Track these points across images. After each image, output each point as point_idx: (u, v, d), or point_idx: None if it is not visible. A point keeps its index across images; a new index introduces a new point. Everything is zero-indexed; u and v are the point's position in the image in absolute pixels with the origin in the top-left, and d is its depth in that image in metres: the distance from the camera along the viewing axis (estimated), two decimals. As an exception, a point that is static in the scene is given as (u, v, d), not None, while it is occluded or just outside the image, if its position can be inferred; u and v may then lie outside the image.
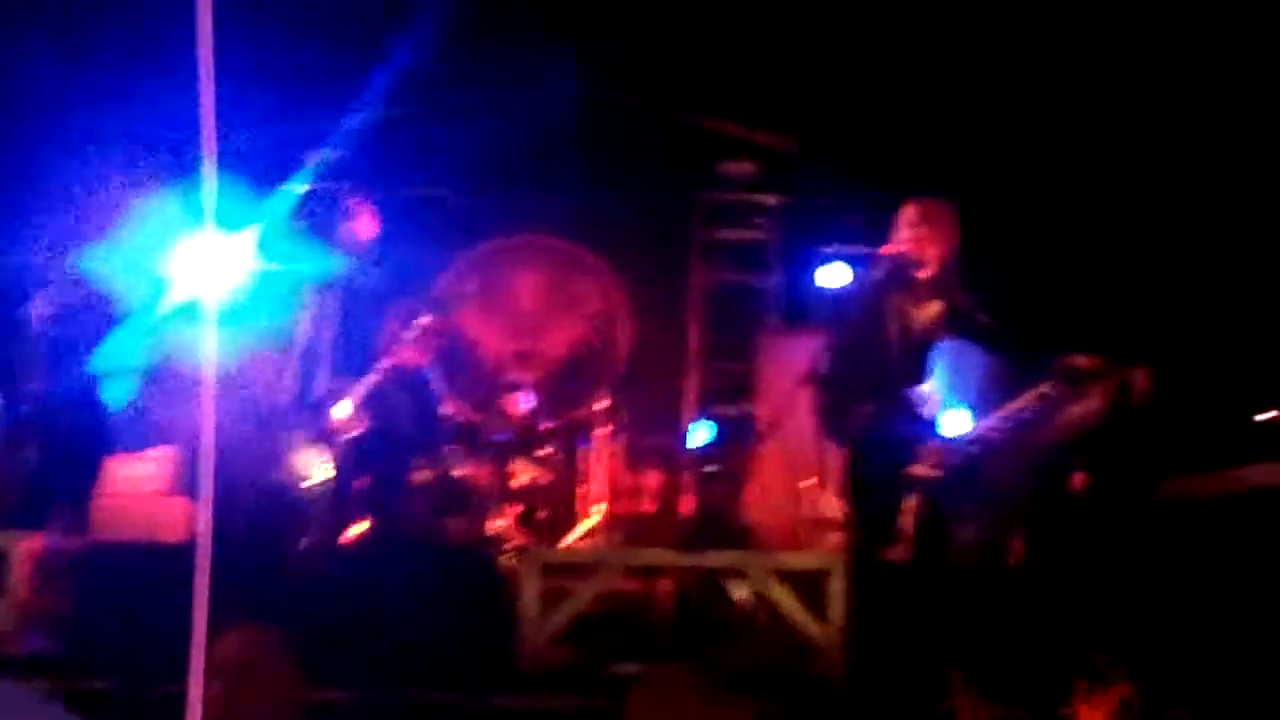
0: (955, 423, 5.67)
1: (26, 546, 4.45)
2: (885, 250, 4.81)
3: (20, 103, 6.73)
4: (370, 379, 5.06)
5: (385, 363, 5.06)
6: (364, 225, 5.26)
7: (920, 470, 4.60)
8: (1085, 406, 4.98)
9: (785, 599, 4.27)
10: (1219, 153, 6.83)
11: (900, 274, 4.78)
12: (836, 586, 4.23)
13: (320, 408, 5.15)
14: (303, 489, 5.15)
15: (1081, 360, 4.65)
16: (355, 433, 5.07)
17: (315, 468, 5.11)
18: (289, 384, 5.23)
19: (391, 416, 5.15)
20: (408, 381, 5.27)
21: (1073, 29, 6.84)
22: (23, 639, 4.30)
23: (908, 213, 4.83)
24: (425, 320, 5.12)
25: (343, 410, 5.08)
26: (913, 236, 4.79)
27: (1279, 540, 4.68)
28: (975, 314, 4.83)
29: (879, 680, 4.09)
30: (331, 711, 2.72)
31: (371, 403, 5.08)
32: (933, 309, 4.79)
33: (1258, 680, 3.90)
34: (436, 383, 5.58)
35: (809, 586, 4.33)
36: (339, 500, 5.09)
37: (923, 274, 4.81)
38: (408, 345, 5.08)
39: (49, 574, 4.46)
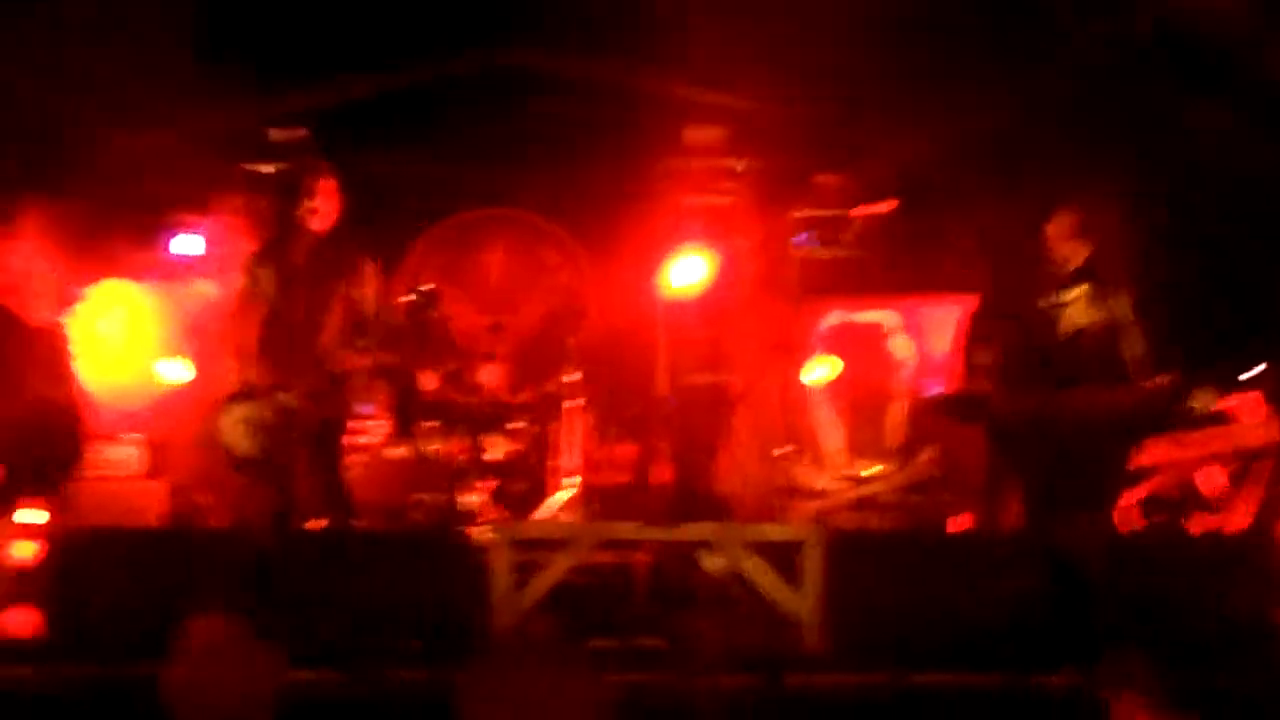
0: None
1: (9, 530, 4.43)
2: (856, 211, 4.84)
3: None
4: (314, 372, 5.02)
5: (327, 366, 5.03)
6: (318, 206, 5.18)
7: None
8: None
9: (759, 572, 4.27)
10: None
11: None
12: (812, 558, 4.23)
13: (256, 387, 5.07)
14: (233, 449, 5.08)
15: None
16: (300, 420, 5.02)
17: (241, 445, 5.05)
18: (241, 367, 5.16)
19: (336, 408, 5.12)
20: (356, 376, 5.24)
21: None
22: (6, 622, 4.29)
23: (1063, 214, 5.02)
24: (372, 324, 5.08)
25: (291, 396, 5.03)
26: (1060, 234, 4.91)
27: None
28: (1125, 312, 4.99)
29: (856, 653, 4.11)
30: (303, 691, 2.72)
31: (318, 395, 5.04)
32: (1084, 304, 5.02)
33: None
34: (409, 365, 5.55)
35: (784, 558, 4.33)
36: (275, 465, 5.05)
37: (1070, 269, 5.05)
38: (359, 351, 5.05)
39: (28, 557, 4.45)
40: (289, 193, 7.55)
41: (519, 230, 8.66)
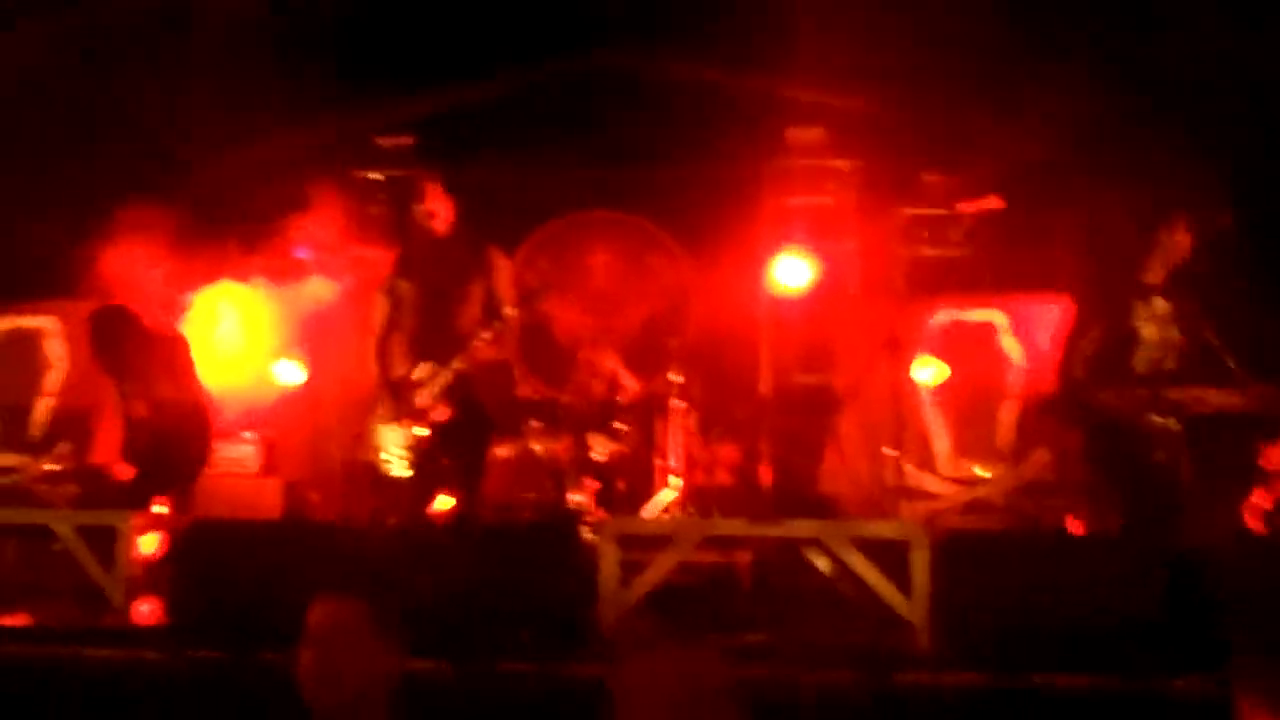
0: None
1: (136, 524, 4.61)
2: (963, 208, 4.77)
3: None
4: (451, 370, 5.09)
5: (463, 360, 5.08)
6: (434, 209, 5.27)
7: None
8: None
9: (866, 569, 4.23)
10: None
11: None
12: (920, 556, 4.17)
13: (400, 391, 5.19)
14: (387, 470, 5.22)
15: None
16: (438, 419, 5.11)
17: (397, 450, 5.17)
18: (372, 368, 5.30)
19: (470, 404, 5.17)
20: (488, 370, 5.29)
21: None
22: (134, 610, 4.47)
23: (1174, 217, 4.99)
24: (506, 317, 5.11)
25: (425, 397, 5.12)
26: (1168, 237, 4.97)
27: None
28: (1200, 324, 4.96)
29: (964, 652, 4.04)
30: (417, 681, 2.77)
31: (453, 391, 5.11)
32: (1165, 312, 4.97)
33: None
34: (516, 366, 5.61)
35: (891, 557, 4.28)
36: (423, 481, 5.14)
37: (1152, 278, 4.99)
38: (487, 342, 5.10)
39: (157, 549, 4.64)
40: (401, 200, 7.75)
41: (623, 232, 8.71)
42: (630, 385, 7.27)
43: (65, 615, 4.64)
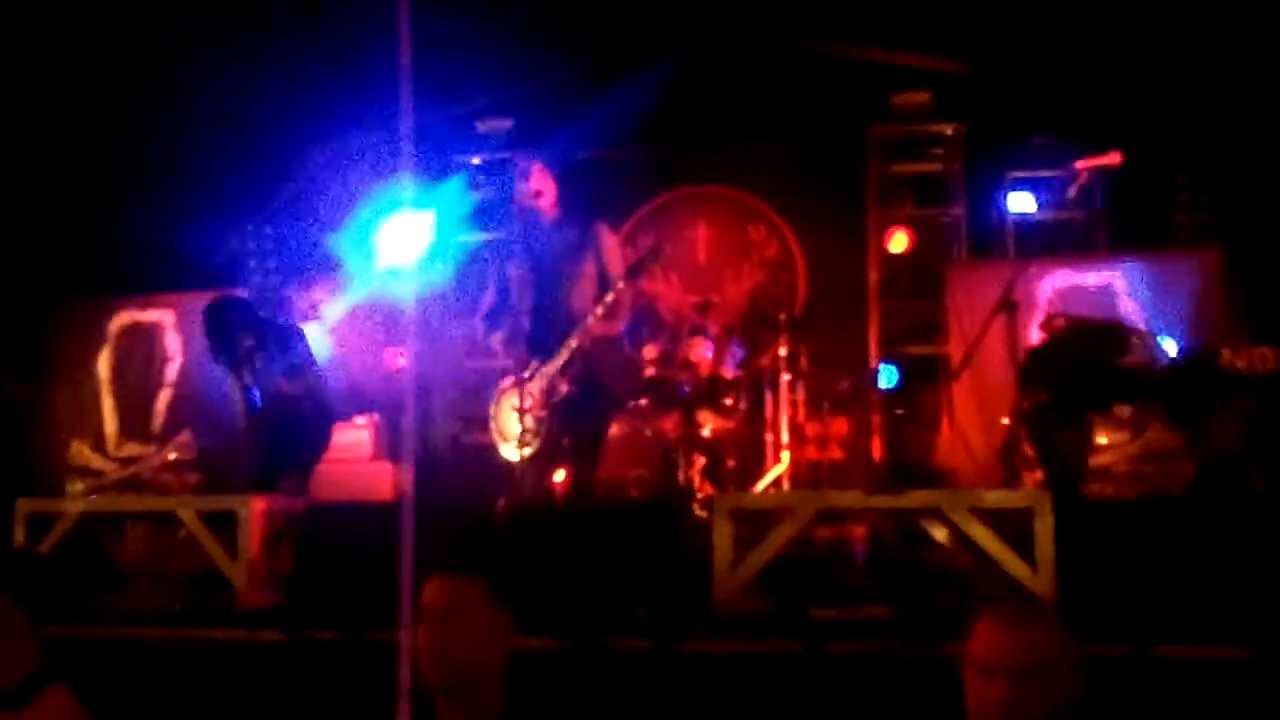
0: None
1: (256, 509, 4.70)
2: (1081, 164, 4.57)
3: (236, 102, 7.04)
4: (567, 348, 5.07)
5: (578, 338, 5.05)
6: (540, 188, 5.24)
7: None
8: None
9: (987, 540, 4.10)
10: None
11: None
12: (1044, 525, 4.03)
13: (515, 373, 5.19)
14: (504, 450, 5.24)
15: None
16: (557, 397, 5.10)
17: (514, 433, 5.18)
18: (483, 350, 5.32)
19: (589, 380, 5.15)
20: (605, 345, 5.25)
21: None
22: (255, 593, 4.56)
23: None
24: (617, 290, 5.07)
25: (543, 377, 5.11)
26: None
27: None
28: None
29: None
30: (530, 660, 2.76)
31: (570, 368, 5.09)
32: None
33: None
34: (627, 340, 5.59)
35: (1012, 526, 4.14)
36: (542, 460, 5.14)
37: None
38: (600, 318, 5.07)
39: (275, 533, 4.72)
40: (504, 182, 7.76)
41: (725, 206, 8.62)
42: (733, 362, 7.20)
43: (189, 598, 4.76)
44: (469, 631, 2.49)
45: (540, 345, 5.16)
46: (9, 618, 2.88)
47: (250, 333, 5.74)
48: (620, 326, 5.28)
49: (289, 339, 5.92)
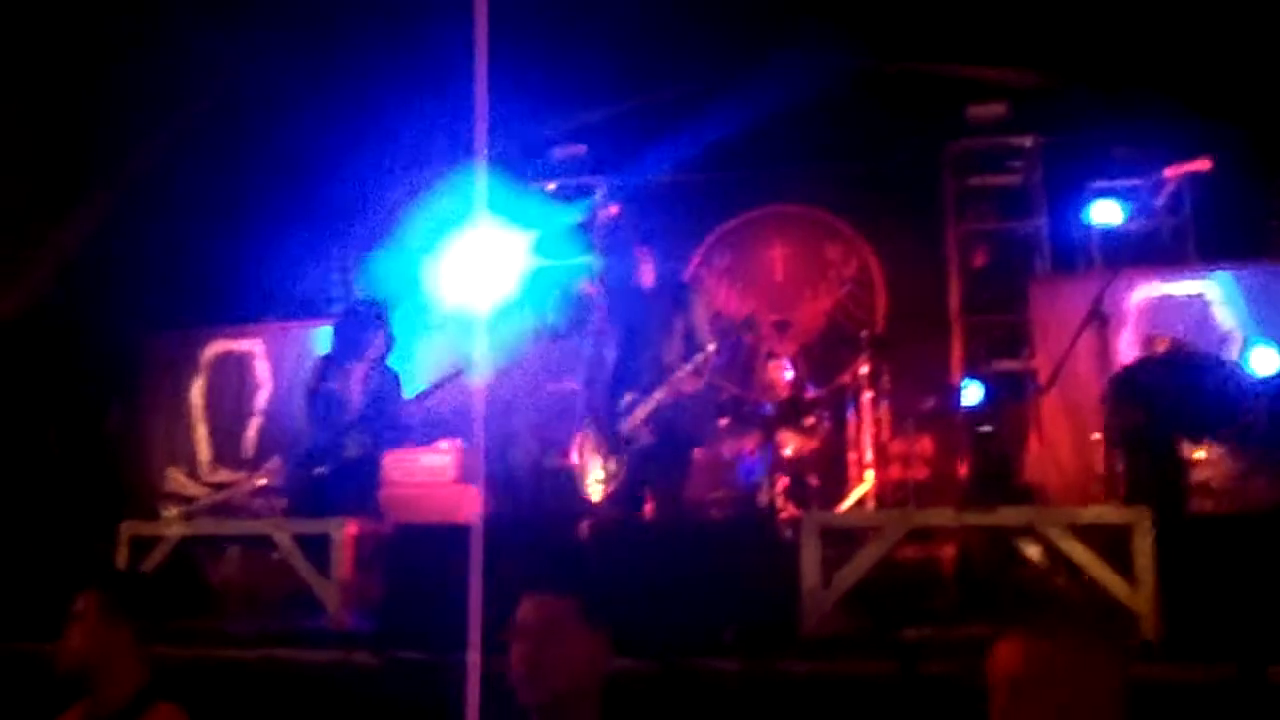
0: (1263, 360, 5.22)
1: (347, 532, 4.75)
2: (1170, 172, 4.47)
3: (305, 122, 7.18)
4: (654, 399, 5.15)
5: (665, 391, 5.13)
6: (646, 267, 5.39)
7: None
8: None
9: (1086, 557, 3.99)
10: None
11: None
12: (1143, 542, 3.92)
13: (603, 422, 5.30)
14: (586, 486, 5.32)
15: None
16: (641, 443, 5.19)
17: (599, 477, 5.26)
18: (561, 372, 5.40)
19: (671, 432, 5.24)
20: (687, 401, 5.34)
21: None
22: (346, 615, 4.61)
23: None
24: (706, 353, 5.17)
25: (631, 422, 5.21)
26: None
27: None
28: None
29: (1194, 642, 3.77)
30: (621, 680, 2.75)
31: (655, 419, 5.17)
32: None
33: None
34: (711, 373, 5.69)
35: (1110, 544, 4.04)
36: (622, 499, 5.23)
37: None
38: (688, 374, 5.16)
39: (364, 556, 4.78)
40: (582, 209, 7.85)
41: (801, 225, 8.59)
42: (811, 384, 7.16)
43: (282, 620, 4.82)
44: (563, 650, 2.49)
45: (627, 393, 5.27)
46: (119, 633, 2.95)
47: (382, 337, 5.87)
48: (703, 384, 5.37)
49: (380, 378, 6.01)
